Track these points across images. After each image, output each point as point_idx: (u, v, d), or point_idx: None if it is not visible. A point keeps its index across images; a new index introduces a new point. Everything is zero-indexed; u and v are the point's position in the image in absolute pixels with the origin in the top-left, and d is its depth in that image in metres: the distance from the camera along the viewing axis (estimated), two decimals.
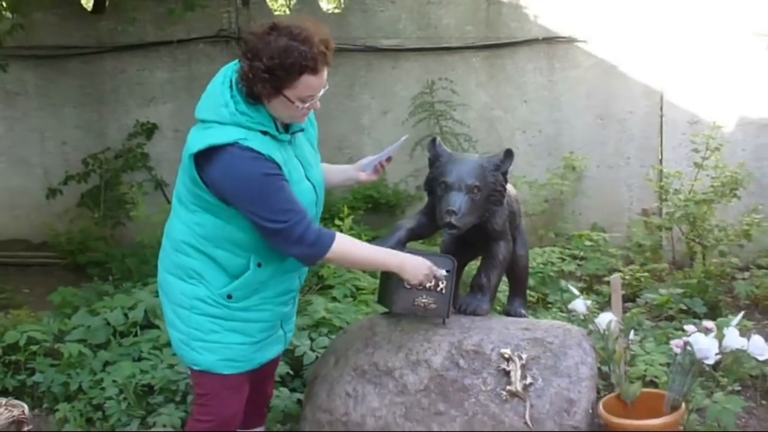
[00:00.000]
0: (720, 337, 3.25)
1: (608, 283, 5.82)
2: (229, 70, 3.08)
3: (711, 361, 3.17)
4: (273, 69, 2.92)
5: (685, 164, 6.82)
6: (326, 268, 5.79)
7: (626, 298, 5.77)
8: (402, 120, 7.48)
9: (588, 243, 6.40)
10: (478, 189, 3.37)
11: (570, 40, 7.35)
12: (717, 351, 3.17)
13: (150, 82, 7.98)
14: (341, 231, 5.77)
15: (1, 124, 8.18)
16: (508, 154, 3.47)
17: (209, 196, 3.04)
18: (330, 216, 6.62)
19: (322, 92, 3.06)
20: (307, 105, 3.04)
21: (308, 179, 3.19)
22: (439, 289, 3.39)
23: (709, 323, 3.33)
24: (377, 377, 3.40)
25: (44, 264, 7.64)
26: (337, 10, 8.91)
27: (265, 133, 3.02)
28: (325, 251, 3.05)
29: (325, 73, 3.02)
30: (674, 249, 6.80)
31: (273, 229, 2.98)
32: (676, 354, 3.31)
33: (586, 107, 7.39)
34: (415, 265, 3.24)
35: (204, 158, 2.98)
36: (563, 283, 5.51)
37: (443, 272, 3.32)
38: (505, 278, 3.93)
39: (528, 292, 5.60)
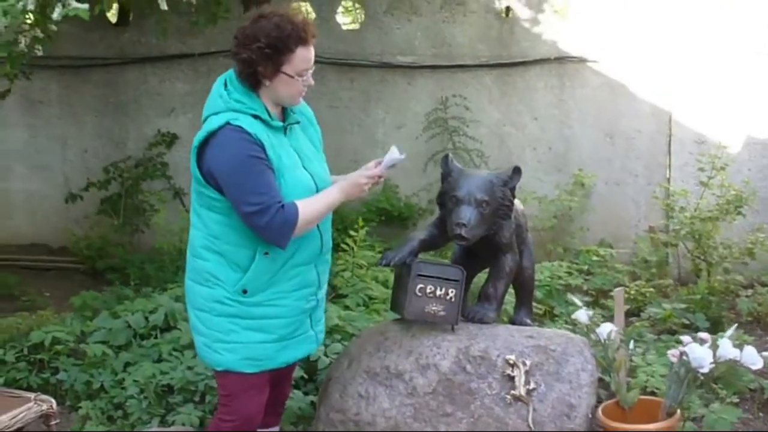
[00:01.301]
0: (715, 348, 3.44)
1: (614, 297, 6.03)
2: (225, 74, 3.40)
3: (705, 370, 3.35)
4: (273, 44, 3.24)
5: (692, 183, 6.99)
6: (340, 278, 6.00)
7: (631, 313, 5.96)
8: (416, 135, 7.68)
9: (595, 258, 6.60)
10: (486, 203, 3.57)
11: (580, 60, 7.54)
12: (711, 360, 3.36)
13: (170, 93, 8.20)
14: (355, 242, 6.00)
15: (25, 131, 8.40)
16: (516, 171, 3.67)
17: (210, 191, 3.30)
18: (344, 227, 6.82)
19: (312, 69, 3.36)
20: (303, 79, 3.34)
21: (305, 169, 3.42)
22: (448, 297, 3.59)
23: (704, 334, 3.52)
24: (388, 379, 3.59)
25: (63, 268, 7.86)
26: (354, 26, 9.12)
27: (256, 117, 3.30)
28: (293, 230, 3.26)
29: (312, 48, 3.34)
30: (680, 265, 6.97)
31: (246, 211, 3.22)
32: (672, 363, 3.50)
33: (594, 125, 7.58)
34: (352, 184, 3.44)
35: (203, 150, 3.28)
36: (569, 296, 5.70)
37: (396, 156, 3.48)
38: (512, 289, 4.12)
39: (535, 304, 5.82)
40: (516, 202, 3.89)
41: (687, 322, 5.58)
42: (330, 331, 5.03)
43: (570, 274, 6.27)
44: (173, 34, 7.96)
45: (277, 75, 3.29)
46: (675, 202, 6.68)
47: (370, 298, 5.74)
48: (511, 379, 3.49)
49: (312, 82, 3.39)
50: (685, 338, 3.48)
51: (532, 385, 3.47)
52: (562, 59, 7.59)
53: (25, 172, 8.44)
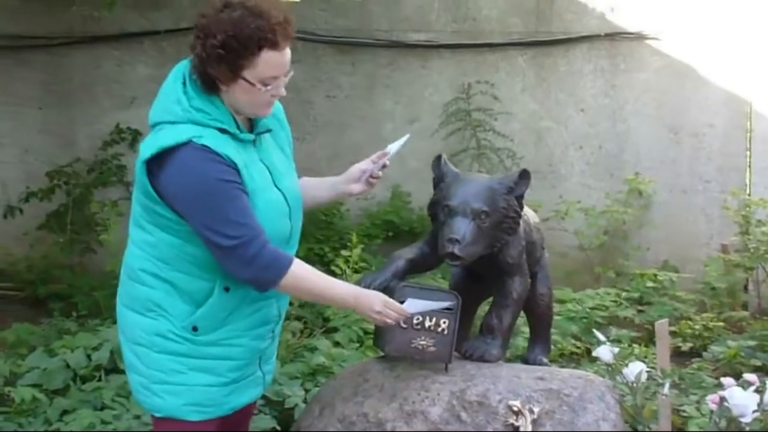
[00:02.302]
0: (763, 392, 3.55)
1: (674, 333, 6.14)
2: (182, 66, 3.41)
3: (748, 419, 3.46)
4: (228, 43, 3.23)
5: None
6: (330, 308, 6.15)
7: (694, 352, 6.07)
8: (431, 131, 7.82)
9: (650, 284, 6.69)
10: (486, 214, 3.65)
11: (637, 37, 7.66)
12: (756, 408, 3.47)
13: (130, 80, 8.33)
14: (348, 263, 6.14)
15: None
16: (524, 175, 3.75)
17: (165, 210, 3.35)
18: (342, 245, 6.95)
19: (287, 79, 3.39)
20: (270, 88, 3.34)
21: (277, 187, 3.50)
22: (440, 329, 3.67)
23: (751, 376, 3.63)
24: (367, 430, 3.71)
25: None
26: None
27: (223, 131, 3.34)
28: (281, 276, 3.33)
29: (288, 51, 3.34)
30: (759, 294, 7.05)
31: (223, 246, 3.27)
32: (711, 411, 3.62)
33: (655, 118, 7.69)
34: (369, 301, 3.49)
35: (156, 165, 3.30)
36: (612, 330, 5.81)
37: (406, 306, 3.54)
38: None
39: (572, 341, 5.96)
40: (530, 213, 4.00)
41: (759, 363, 5.66)
42: (313, 372, 5.19)
43: (618, 303, 6.38)
44: (133, 7, 8.12)
45: (235, 80, 3.30)
46: (752, 214, 6.77)
47: (366, 333, 5.87)
48: (516, 429, 3.56)
49: (283, 92, 3.40)
50: (727, 380, 3.59)
51: None
52: (614, 36, 7.71)
53: None
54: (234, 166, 3.29)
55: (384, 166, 3.78)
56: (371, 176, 3.77)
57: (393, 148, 3.77)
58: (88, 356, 5.47)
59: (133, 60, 8.35)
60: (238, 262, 3.30)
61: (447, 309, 3.68)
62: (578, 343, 5.95)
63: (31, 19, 8.32)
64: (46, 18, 8.34)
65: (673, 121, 7.68)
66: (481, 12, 7.89)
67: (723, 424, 3.55)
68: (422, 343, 3.67)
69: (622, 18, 7.68)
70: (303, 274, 3.40)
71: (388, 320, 3.53)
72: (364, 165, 3.79)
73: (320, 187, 3.85)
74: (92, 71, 8.37)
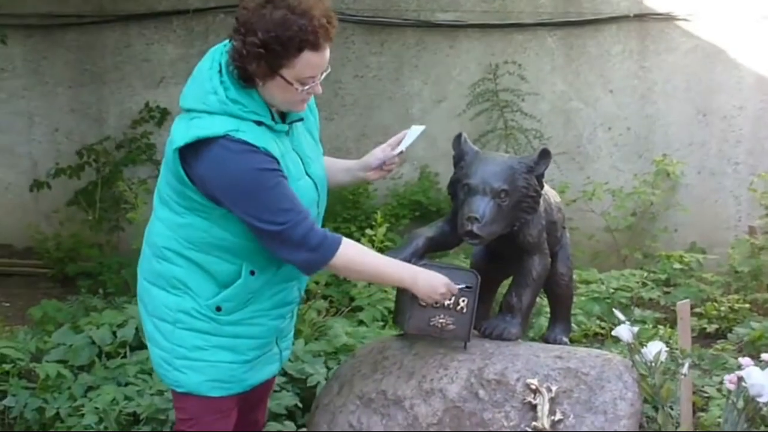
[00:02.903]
0: None
1: (700, 315, 6.14)
2: (217, 52, 3.39)
3: (765, 399, 3.46)
4: (269, 43, 3.22)
5: None
6: (355, 287, 6.17)
7: (719, 334, 6.07)
8: (459, 111, 7.83)
9: (677, 266, 6.68)
10: (505, 193, 3.66)
11: (667, 18, 7.62)
12: None
13: (160, 59, 8.41)
14: (373, 243, 6.16)
15: None
16: (544, 154, 3.76)
17: (197, 195, 3.36)
18: (369, 224, 6.98)
19: (323, 75, 3.39)
20: (306, 88, 3.35)
21: (308, 175, 3.52)
22: (459, 308, 3.69)
23: None
24: (385, 407, 3.72)
25: (28, 274, 8.14)
26: None
27: (259, 123, 3.34)
28: (330, 257, 3.35)
29: (327, 51, 3.33)
30: None
31: (270, 231, 3.29)
32: (729, 391, 3.62)
33: (685, 100, 7.66)
34: (430, 282, 3.55)
35: (190, 152, 3.29)
36: (636, 311, 5.80)
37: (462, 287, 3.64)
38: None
39: (597, 322, 5.97)
40: (551, 193, 4.01)
41: None
42: (336, 351, 5.22)
43: (644, 285, 6.38)
44: None
45: (272, 78, 3.30)
46: None
47: (390, 312, 5.89)
48: (533, 408, 3.58)
49: (319, 90, 3.40)
50: (745, 360, 3.59)
51: (558, 416, 3.55)
52: (644, 17, 7.68)
53: None
54: (273, 157, 3.31)
55: (401, 153, 3.80)
56: (385, 163, 3.81)
57: (407, 140, 3.79)
58: (114, 333, 5.52)
59: (162, 39, 8.40)
60: (287, 246, 3.32)
61: (466, 287, 3.70)
62: (602, 324, 5.95)
63: None
64: None
65: (703, 103, 7.64)
66: None
67: (741, 404, 3.55)
68: (441, 321, 3.70)
69: None
70: (353, 254, 3.43)
71: (445, 301, 3.63)
72: (381, 152, 3.82)
73: (338, 171, 3.87)
74: (122, 50, 8.42)
